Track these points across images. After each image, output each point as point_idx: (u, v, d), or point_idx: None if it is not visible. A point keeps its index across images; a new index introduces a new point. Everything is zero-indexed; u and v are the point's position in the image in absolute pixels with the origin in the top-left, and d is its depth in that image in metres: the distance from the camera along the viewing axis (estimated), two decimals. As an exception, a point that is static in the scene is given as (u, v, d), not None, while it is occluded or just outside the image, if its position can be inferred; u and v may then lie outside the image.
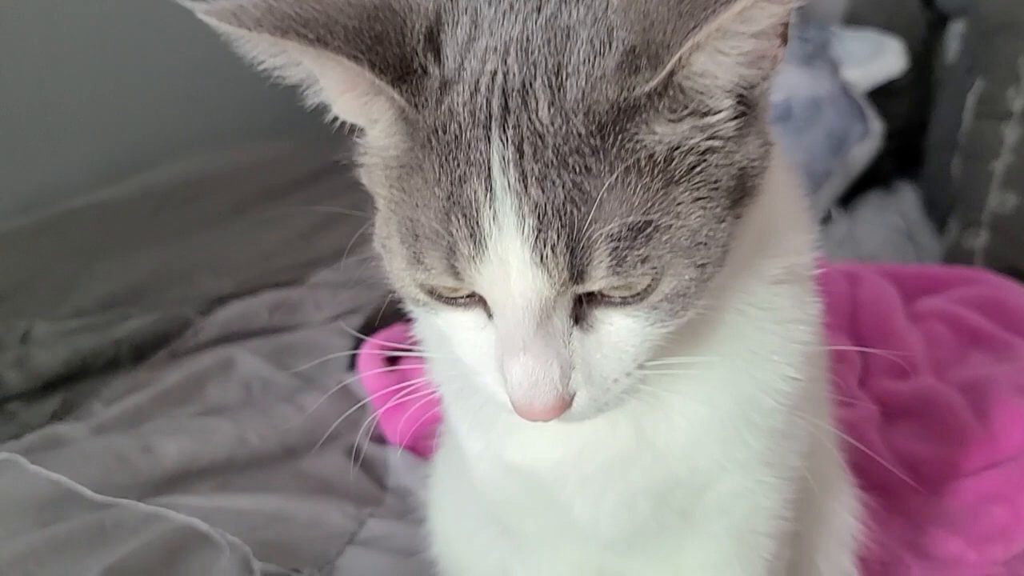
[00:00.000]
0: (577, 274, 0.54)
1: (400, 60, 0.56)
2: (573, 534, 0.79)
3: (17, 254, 1.83)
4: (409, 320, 0.77)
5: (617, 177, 0.53)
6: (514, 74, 0.55)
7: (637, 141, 0.54)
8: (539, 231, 0.53)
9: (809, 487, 0.78)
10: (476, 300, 0.59)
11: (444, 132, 0.56)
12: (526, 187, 0.53)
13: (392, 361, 1.32)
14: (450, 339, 0.63)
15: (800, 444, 0.75)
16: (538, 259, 0.54)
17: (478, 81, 0.56)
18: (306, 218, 1.97)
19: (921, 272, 1.67)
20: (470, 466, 0.80)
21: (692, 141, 0.56)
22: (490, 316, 0.59)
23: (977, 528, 1.09)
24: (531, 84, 0.55)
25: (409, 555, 1.10)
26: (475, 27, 0.58)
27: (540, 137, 0.54)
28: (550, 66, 0.55)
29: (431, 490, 1.03)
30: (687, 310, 0.59)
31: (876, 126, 2.11)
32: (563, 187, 0.53)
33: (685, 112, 0.56)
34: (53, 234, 1.93)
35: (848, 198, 2.10)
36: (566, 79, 0.54)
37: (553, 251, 0.53)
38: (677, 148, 0.56)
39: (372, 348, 1.37)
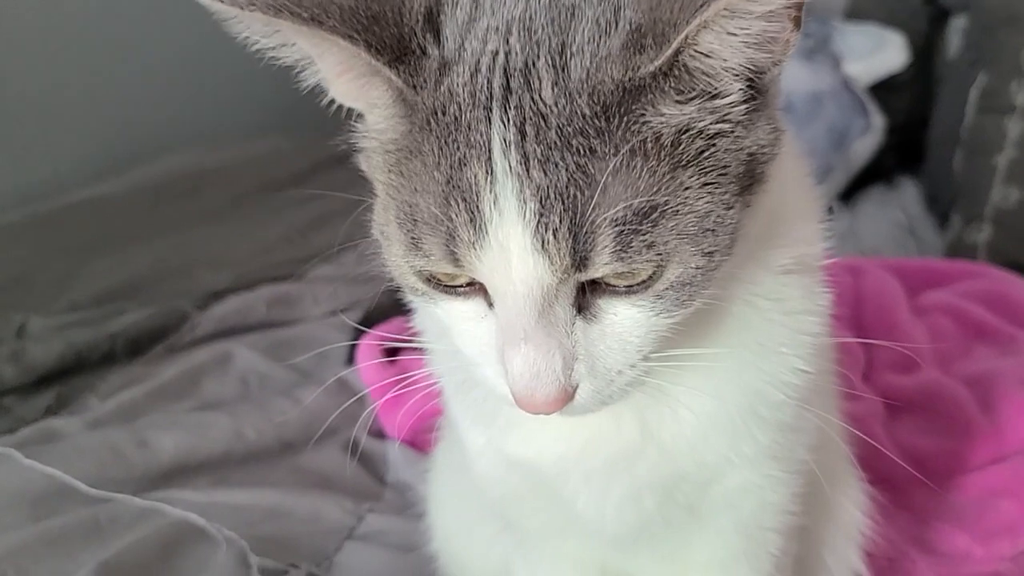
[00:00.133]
0: (580, 260, 0.53)
1: (398, 40, 0.55)
2: (576, 530, 0.78)
3: (13, 248, 1.83)
4: (408, 314, 0.76)
5: (622, 159, 0.52)
6: (516, 54, 0.54)
7: (643, 123, 0.53)
8: (541, 215, 0.52)
9: (817, 481, 0.76)
10: (476, 289, 0.58)
11: (443, 114, 0.54)
12: (528, 170, 0.52)
13: (391, 357, 1.31)
14: (450, 330, 0.61)
15: (808, 438, 0.74)
16: (539, 244, 0.52)
17: (479, 61, 0.55)
18: (304, 213, 1.97)
19: (924, 266, 1.66)
20: (471, 460, 0.79)
21: (700, 124, 0.55)
22: (491, 306, 0.58)
23: (983, 523, 1.08)
24: (534, 64, 0.54)
25: (408, 550, 1.09)
26: (476, 7, 0.57)
27: (543, 118, 0.52)
28: (554, 45, 0.54)
29: (431, 484, 1.02)
30: (693, 300, 0.57)
31: (877, 121, 2.11)
32: (566, 170, 0.52)
33: (692, 94, 0.55)
34: (49, 228, 1.92)
35: (849, 193, 2.09)
36: (570, 59, 0.53)
37: (555, 236, 0.52)
38: (685, 131, 0.54)
39: (371, 340, 1.36)
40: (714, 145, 0.55)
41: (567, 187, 0.52)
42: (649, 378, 0.60)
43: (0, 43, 2.06)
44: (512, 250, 0.53)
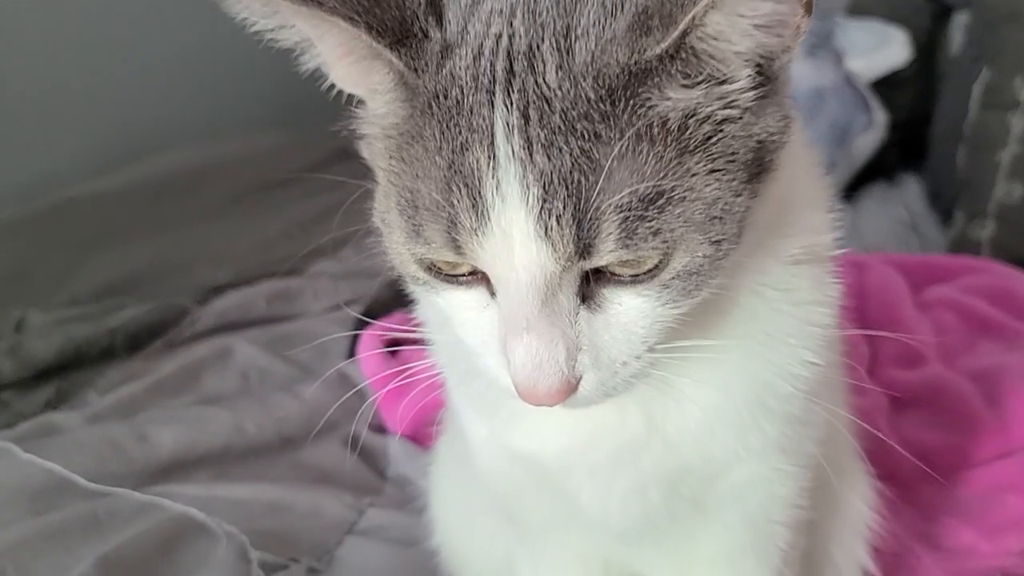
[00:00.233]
0: (584, 248, 0.52)
1: (399, 23, 0.54)
2: (580, 524, 0.77)
3: (12, 243, 1.82)
4: (409, 309, 0.75)
5: (627, 144, 0.51)
6: (520, 36, 0.53)
7: (649, 107, 0.52)
8: (544, 201, 0.51)
9: (825, 475, 0.76)
10: (478, 278, 0.57)
11: (445, 98, 0.53)
12: (531, 154, 0.51)
13: (393, 348, 1.31)
14: (451, 319, 0.60)
15: (817, 431, 0.73)
16: (543, 231, 0.51)
17: (482, 44, 0.54)
18: (305, 208, 1.96)
19: (928, 261, 1.66)
20: (474, 453, 0.78)
21: (708, 109, 0.54)
22: (493, 295, 0.57)
23: (990, 518, 1.07)
24: (538, 47, 0.53)
25: (409, 545, 1.08)
26: None
27: (547, 102, 0.51)
28: (559, 28, 0.53)
29: (433, 477, 1.02)
30: (700, 289, 0.56)
31: (880, 117, 2.10)
32: (570, 155, 0.51)
33: (699, 78, 0.54)
34: (49, 223, 1.92)
35: (851, 190, 2.08)
36: (575, 41, 0.52)
37: (559, 222, 0.51)
38: (692, 116, 0.53)
39: (373, 332, 1.35)
40: (722, 131, 0.54)
41: (571, 172, 0.51)
42: (654, 370, 0.59)
43: (0, 39, 2.05)
44: (515, 237, 0.52)
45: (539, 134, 0.51)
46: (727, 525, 0.76)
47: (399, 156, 0.56)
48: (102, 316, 1.55)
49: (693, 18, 0.51)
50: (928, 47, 2.19)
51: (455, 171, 0.52)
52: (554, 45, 0.52)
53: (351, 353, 1.42)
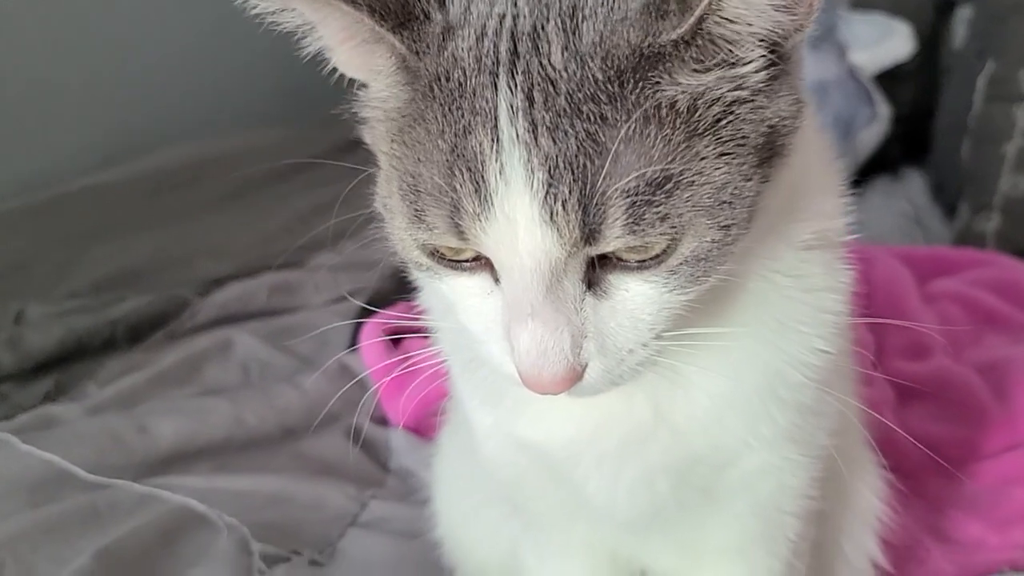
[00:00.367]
0: (590, 233, 0.51)
1: (401, 5, 0.53)
2: (587, 514, 0.76)
3: (12, 236, 1.82)
4: (412, 298, 0.74)
5: (634, 127, 0.50)
6: (524, 16, 0.52)
7: (658, 90, 0.51)
8: (549, 185, 0.50)
9: (835, 466, 0.74)
10: (482, 264, 0.56)
11: (447, 80, 0.52)
12: (536, 138, 0.50)
13: (395, 339, 1.30)
14: (455, 306, 0.59)
15: (829, 422, 0.71)
16: (548, 216, 0.50)
17: (485, 25, 0.53)
18: (306, 201, 1.95)
19: (934, 254, 1.65)
20: (478, 443, 0.77)
21: (718, 92, 0.53)
22: (497, 281, 0.56)
23: (998, 511, 1.07)
24: (543, 27, 0.52)
25: (412, 537, 1.07)
26: None
27: (552, 83, 0.50)
28: (564, 8, 0.52)
29: (436, 468, 1.01)
30: (709, 276, 0.55)
31: (883, 110, 2.09)
32: (576, 138, 0.50)
33: (712, 62, 0.52)
34: (49, 216, 1.91)
35: (855, 184, 2.06)
36: (582, 21, 0.51)
37: (564, 207, 0.50)
38: (701, 98, 0.52)
39: (375, 322, 1.35)
40: (732, 113, 0.53)
41: (577, 156, 0.50)
42: (662, 357, 0.58)
43: (0, 33, 2.04)
44: (519, 222, 0.51)
45: (544, 117, 0.50)
46: (737, 515, 0.75)
47: (401, 140, 0.55)
48: (102, 308, 1.55)
49: (711, 2, 0.50)
50: (932, 40, 2.18)
51: (458, 155, 0.51)
52: (560, 25, 0.51)
53: (352, 343, 1.42)
